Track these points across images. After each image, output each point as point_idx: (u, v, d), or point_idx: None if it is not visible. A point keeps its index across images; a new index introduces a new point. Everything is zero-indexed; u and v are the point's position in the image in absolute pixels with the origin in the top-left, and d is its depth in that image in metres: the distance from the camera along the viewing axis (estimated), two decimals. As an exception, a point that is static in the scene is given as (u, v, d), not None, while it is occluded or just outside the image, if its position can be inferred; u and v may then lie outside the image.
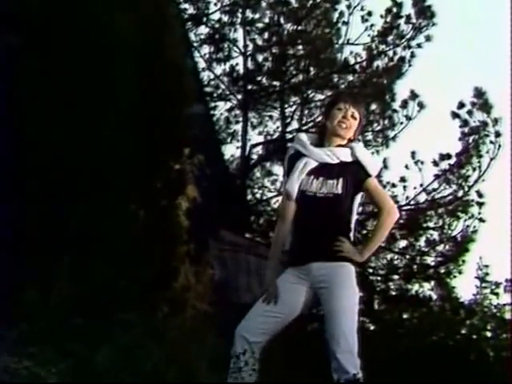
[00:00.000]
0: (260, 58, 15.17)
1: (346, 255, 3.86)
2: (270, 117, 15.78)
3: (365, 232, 13.33)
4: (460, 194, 13.87)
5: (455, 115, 13.75)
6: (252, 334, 3.81)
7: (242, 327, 3.85)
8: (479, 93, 13.61)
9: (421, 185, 13.87)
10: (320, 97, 15.28)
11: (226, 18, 14.79)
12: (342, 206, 3.93)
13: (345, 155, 3.98)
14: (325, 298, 3.84)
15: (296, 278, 3.91)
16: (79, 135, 5.25)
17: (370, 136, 14.49)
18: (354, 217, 4.03)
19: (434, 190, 13.94)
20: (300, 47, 15.05)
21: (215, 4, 14.57)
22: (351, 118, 4.03)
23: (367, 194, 4.02)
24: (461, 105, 13.72)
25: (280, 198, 15.71)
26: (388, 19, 14.55)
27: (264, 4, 14.86)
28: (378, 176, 4.09)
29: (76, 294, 4.35)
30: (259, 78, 15.26)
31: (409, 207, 14.08)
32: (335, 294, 3.80)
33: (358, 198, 4.03)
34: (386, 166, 13.76)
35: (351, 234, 4.00)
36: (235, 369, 3.73)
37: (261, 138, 15.76)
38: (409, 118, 14.19)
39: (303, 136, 4.10)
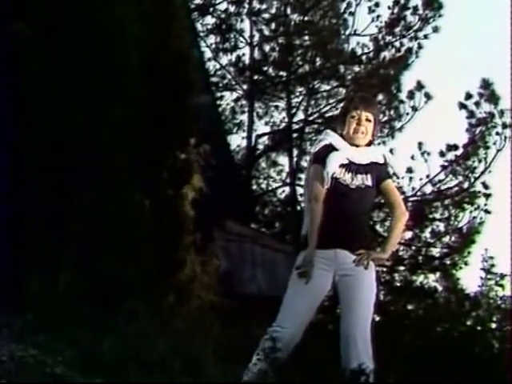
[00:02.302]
0: (266, 48, 15.16)
1: (373, 257, 3.96)
2: (276, 107, 15.77)
3: (371, 223, 13.33)
4: (466, 185, 13.84)
5: (462, 106, 13.71)
6: (289, 338, 3.85)
7: (282, 332, 3.85)
8: (486, 84, 13.56)
9: (427, 176, 13.86)
10: (326, 87, 15.30)
11: (232, 9, 14.79)
12: (370, 198, 4.10)
13: (375, 156, 4.12)
14: (346, 286, 3.92)
15: (321, 265, 3.94)
16: (85, 126, 5.25)
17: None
18: None
19: (440, 181, 13.92)
20: (306, 38, 15.03)
21: (222, -6, 14.58)
22: (366, 121, 4.12)
23: (384, 192, 4.13)
24: (468, 96, 13.67)
25: (286, 189, 15.76)
26: (395, 10, 14.51)
27: (271, -6, 14.85)
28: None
29: (82, 283, 4.36)
30: (265, 69, 15.24)
31: (415, 198, 14.08)
32: (359, 284, 3.90)
33: None
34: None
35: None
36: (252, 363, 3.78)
37: (267, 129, 15.77)
38: (415, 109, 14.17)
39: (334, 133, 4.18)
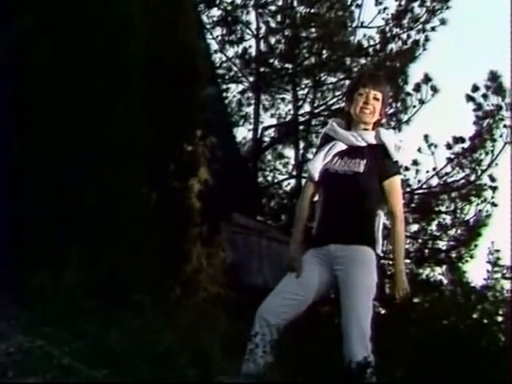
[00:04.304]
0: (273, 40, 15.14)
1: (399, 283, 3.99)
2: (282, 99, 15.77)
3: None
4: (473, 178, 13.82)
5: (469, 98, 13.67)
6: (272, 316, 3.83)
7: (263, 308, 3.87)
8: (494, 76, 13.51)
9: (434, 168, 13.85)
10: (332, 80, 15.30)
11: (238, 1, 14.77)
12: (362, 185, 3.90)
13: (371, 138, 4.00)
14: (341, 280, 3.85)
15: (316, 259, 3.92)
16: (90, 118, 5.24)
17: (383, 119, 14.43)
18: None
19: (447, 173, 13.91)
20: (313, 30, 15.01)
21: (228, -14, 14.55)
22: (373, 100, 4.02)
23: (385, 190, 3.94)
24: (475, 88, 13.63)
25: (292, 181, 15.77)
26: (402, 2, 14.48)
27: (277, -14, 14.81)
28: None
29: (89, 275, 4.35)
30: (272, 61, 15.22)
31: (421, 191, 14.06)
32: (351, 276, 3.82)
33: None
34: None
35: (377, 221, 3.94)
36: (248, 350, 3.75)
37: (273, 121, 15.78)
38: (422, 102, 14.14)
39: (334, 121, 4.15)
